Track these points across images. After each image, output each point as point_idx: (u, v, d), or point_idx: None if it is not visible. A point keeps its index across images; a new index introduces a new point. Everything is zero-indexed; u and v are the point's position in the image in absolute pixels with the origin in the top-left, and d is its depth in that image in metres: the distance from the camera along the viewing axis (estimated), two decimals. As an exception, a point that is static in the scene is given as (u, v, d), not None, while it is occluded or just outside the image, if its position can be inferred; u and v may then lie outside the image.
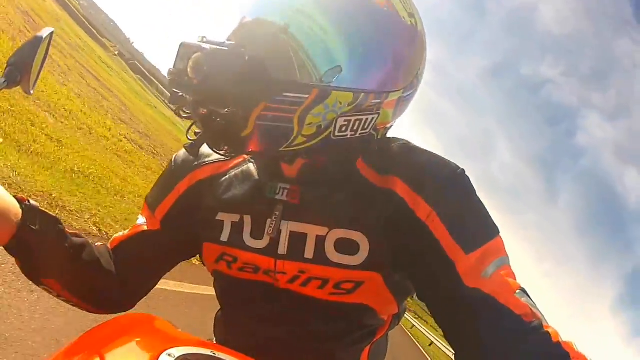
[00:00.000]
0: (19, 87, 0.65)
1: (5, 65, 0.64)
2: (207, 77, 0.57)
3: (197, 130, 0.64)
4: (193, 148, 0.64)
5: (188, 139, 0.64)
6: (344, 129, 0.65)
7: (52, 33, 0.68)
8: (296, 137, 0.62)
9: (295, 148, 0.64)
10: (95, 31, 33.28)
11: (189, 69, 0.57)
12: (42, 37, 0.65)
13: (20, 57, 0.65)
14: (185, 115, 0.64)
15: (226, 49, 0.58)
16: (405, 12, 0.67)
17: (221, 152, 0.64)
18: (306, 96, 0.60)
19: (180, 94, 0.62)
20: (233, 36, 0.65)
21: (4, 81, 0.64)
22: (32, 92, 0.67)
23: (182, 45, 0.60)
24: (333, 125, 0.64)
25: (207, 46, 0.58)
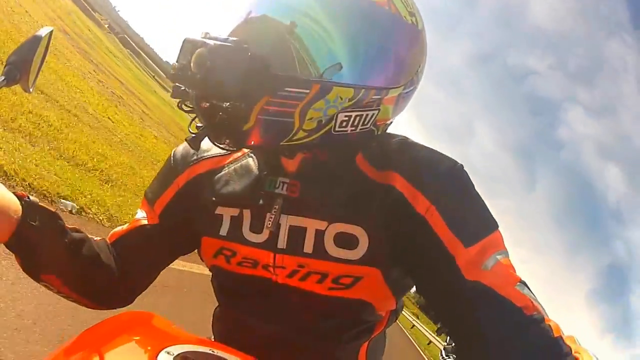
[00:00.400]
0: (18, 85, 0.65)
1: (5, 63, 0.64)
2: (209, 72, 0.57)
3: (198, 124, 0.65)
4: (195, 141, 0.64)
5: (190, 132, 0.65)
6: (344, 124, 0.65)
7: (51, 32, 0.68)
8: (297, 131, 0.63)
9: (296, 142, 0.64)
10: (89, 8, 33.49)
11: (192, 64, 0.58)
12: (41, 36, 0.65)
13: (20, 55, 0.65)
14: (187, 109, 0.64)
15: (229, 44, 0.59)
16: (406, 11, 0.68)
17: (222, 146, 0.65)
18: (307, 91, 0.61)
19: (183, 88, 0.63)
20: (237, 31, 0.65)
21: (3, 79, 0.64)
22: (31, 90, 0.67)
23: (185, 40, 0.60)
24: (334, 121, 0.64)
25: (211, 42, 0.58)
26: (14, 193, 0.66)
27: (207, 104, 0.61)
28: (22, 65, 0.65)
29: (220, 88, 0.58)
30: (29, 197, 0.68)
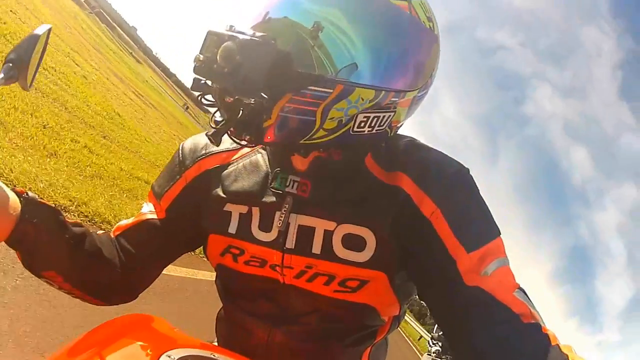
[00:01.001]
0: (16, 83, 0.64)
1: (3, 61, 0.63)
2: (239, 66, 0.56)
3: (217, 119, 0.64)
4: (216, 136, 0.63)
5: (210, 126, 0.64)
6: (362, 124, 0.65)
7: (49, 29, 0.66)
8: (317, 130, 0.62)
9: (315, 141, 0.64)
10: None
11: (218, 57, 0.57)
12: (39, 34, 0.64)
13: (18, 53, 0.63)
14: (207, 103, 0.63)
15: (258, 39, 0.58)
16: (424, 16, 0.68)
17: (242, 142, 0.64)
18: (331, 91, 0.60)
19: (203, 81, 0.62)
20: (258, 29, 0.63)
21: (2, 77, 0.63)
22: (29, 88, 0.66)
23: (210, 33, 0.59)
24: (353, 121, 0.64)
25: (239, 36, 0.57)
26: (12, 189, 0.66)
27: (231, 99, 0.61)
28: (21, 63, 0.63)
29: (247, 83, 0.57)
30: (27, 194, 0.67)
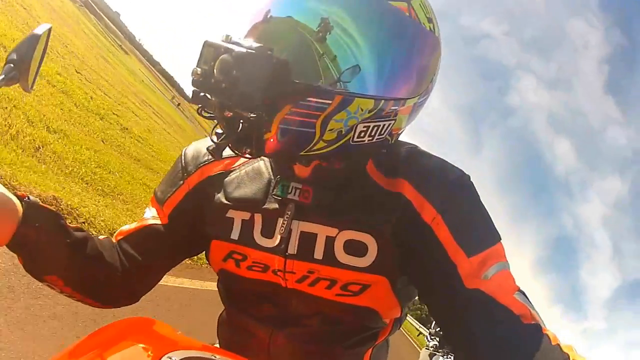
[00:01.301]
0: (17, 84, 0.64)
1: (4, 62, 0.63)
2: (236, 81, 0.55)
3: (218, 131, 0.63)
4: (217, 151, 0.63)
5: (211, 140, 0.63)
6: (362, 134, 0.64)
7: (49, 29, 0.66)
8: (317, 142, 0.62)
9: (315, 152, 0.63)
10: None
11: (215, 71, 0.56)
12: (39, 34, 0.64)
13: (19, 54, 0.63)
14: (207, 115, 0.63)
15: (254, 52, 0.57)
16: (425, 18, 0.66)
17: (241, 154, 0.64)
18: (330, 102, 0.59)
19: (203, 93, 0.61)
20: (258, 31, 0.63)
21: (3, 78, 0.62)
22: (31, 89, 0.66)
23: (206, 44, 0.58)
24: (353, 131, 0.63)
25: (235, 48, 0.56)
26: (14, 193, 0.66)
27: (230, 113, 0.60)
28: (22, 64, 0.63)
29: (245, 98, 0.56)
30: (29, 198, 0.67)
